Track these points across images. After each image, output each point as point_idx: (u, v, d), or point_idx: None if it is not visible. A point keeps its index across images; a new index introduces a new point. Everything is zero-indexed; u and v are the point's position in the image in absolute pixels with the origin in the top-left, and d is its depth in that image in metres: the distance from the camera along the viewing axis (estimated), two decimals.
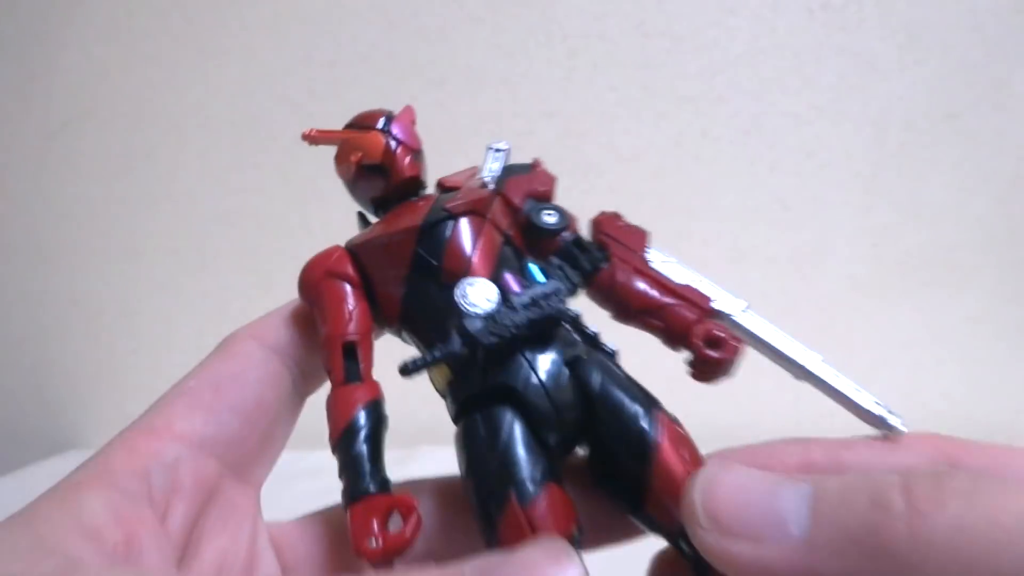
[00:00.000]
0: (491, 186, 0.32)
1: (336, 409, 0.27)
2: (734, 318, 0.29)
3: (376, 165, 0.31)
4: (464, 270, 0.28)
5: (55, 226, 1.00)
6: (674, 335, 0.29)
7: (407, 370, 0.26)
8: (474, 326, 0.26)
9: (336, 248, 0.31)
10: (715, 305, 0.29)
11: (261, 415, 0.29)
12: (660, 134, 0.86)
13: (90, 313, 1.00)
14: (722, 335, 0.28)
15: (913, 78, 0.82)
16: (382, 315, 0.30)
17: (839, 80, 0.84)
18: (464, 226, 0.29)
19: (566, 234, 0.31)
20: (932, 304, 0.85)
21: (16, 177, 1.01)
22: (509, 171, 0.33)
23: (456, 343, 0.26)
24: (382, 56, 0.90)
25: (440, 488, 0.30)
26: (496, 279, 0.28)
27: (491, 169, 0.33)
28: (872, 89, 0.83)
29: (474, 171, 0.33)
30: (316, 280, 0.30)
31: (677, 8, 0.85)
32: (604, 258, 0.31)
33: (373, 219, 0.32)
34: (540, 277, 0.29)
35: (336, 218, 1.04)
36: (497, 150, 0.34)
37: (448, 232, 0.29)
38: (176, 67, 0.95)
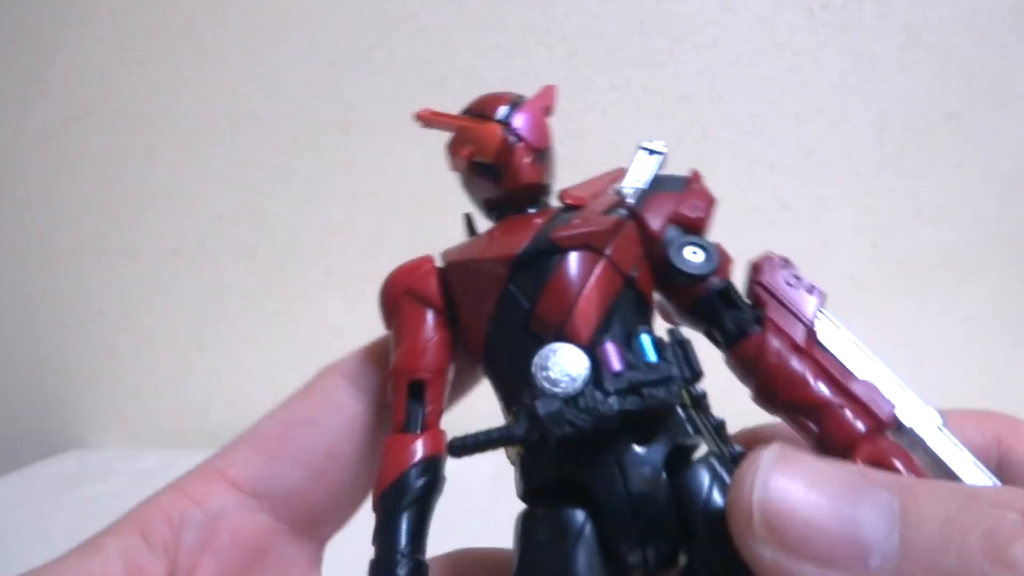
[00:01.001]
0: (629, 200, 0.26)
1: (386, 460, 0.23)
2: (921, 437, 0.22)
3: (488, 164, 0.26)
4: (560, 323, 0.22)
5: (55, 226, 1.00)
6: (831, 446, 0.22)
7: (456, 450, 0.22)
8: (548, 408, 0.20)
9: (426, 260, 0.26)
10: (898, 414, 0.22)
11: (332, 467, 0.25)
12: (660, 134, 0.86)
13: (89, 313, 1.00)
14: (898, 467, 0.20)
15: (913, 78, 0.82)
16: (466, 347, 0.25)
17: (839, 80, 0.83)
18: (572, 264, 0.23)
19: (714, 279, 0.24)
20: (932, 304, 0.85)
21: (15, 177, 1.01)
22: (657, 184, 0.27)
23: (522, 426, 0.21)
24: (382, 55, 0.90)
25: (484, 564, 0.27)
26: (595, 344, 0.22)
27: (636, 178, 0.26)
28: (872, 89, 0.83)
29: (617, 175, 0.27)
30: (396, 296, 0.26)
31: (677, 8, 0.85)
32: (756, 320, 0.24)
33: (482, 225, 0.27)
34: (651, 354, 0.22)
35: (336, 218, 1.03)
36: (651, 151, 0.27)
37: (551, 270, 0.23)
38: (175, 66, 0.95)
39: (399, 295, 0.25)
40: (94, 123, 0.97)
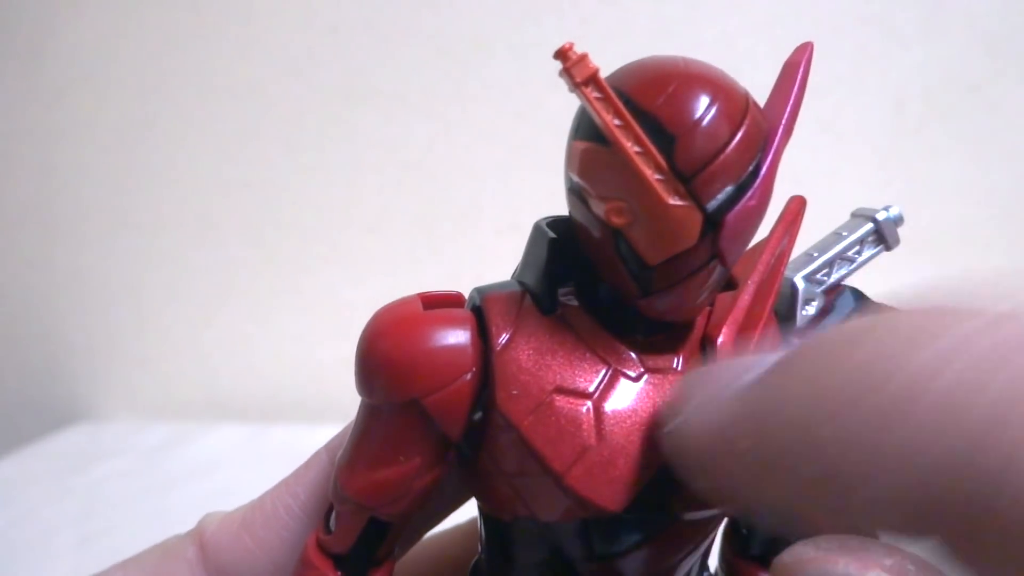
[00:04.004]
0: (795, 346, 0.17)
1: None
2: None
3: (644, 262, 0.17)
4: None
5: (55, 196, 0.99)
6: None
7: None
8: None
9: (461, 366, 0.17)
10: None
11: None
12: None
13: (96, 285, 1.00)
14: None
15: (935, 48, 0.80)
16: (474, 483, 0.19)
17: (859, 49, 0.81)
18: (680, 535, 0.17)
19: None
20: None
21: (14, 146, 0.99)
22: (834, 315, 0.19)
23: None
24: (385, 22, 0.87)
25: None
26: None
27: (826, 268, 0.18)
28: (893, 59, 0.81)
29: (788, 235, 0.19)
30: (395, 391, 0.17)
31: None
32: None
33: (564, 290, 0.19)
34: None
35: (340, 191, 1.01)
36: (872, 239, 0.18)
37: (647, 534, 0.17)
38: (175, 33, 0.92)
39: (402, 395, 0.17)
40: (92, 92, 0.95)
